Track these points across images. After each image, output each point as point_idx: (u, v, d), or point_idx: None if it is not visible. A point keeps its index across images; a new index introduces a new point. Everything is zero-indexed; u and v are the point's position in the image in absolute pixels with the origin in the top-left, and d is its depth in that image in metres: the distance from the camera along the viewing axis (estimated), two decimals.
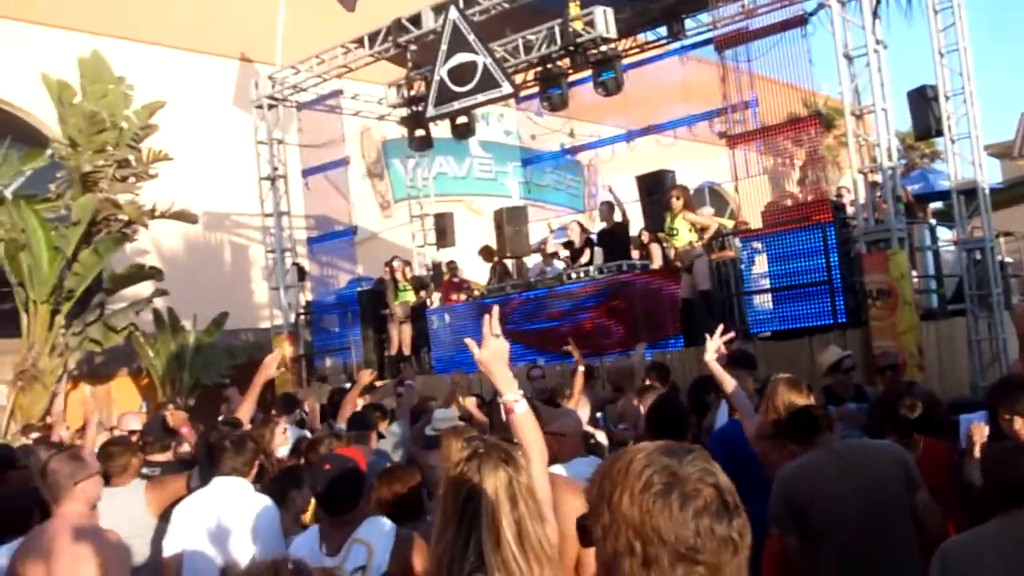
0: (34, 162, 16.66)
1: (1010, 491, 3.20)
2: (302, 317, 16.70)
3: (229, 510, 4.72)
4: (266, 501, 4.84)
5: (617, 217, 13.48)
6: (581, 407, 7.09)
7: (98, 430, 8.88)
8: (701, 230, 11.65)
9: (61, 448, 5.48)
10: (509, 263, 15.49)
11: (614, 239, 13.57)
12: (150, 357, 17.50)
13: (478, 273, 17.27)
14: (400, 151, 21.46)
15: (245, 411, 6.32)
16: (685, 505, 1.54)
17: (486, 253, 15.90)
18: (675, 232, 11.78)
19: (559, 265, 14.45)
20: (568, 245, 14.64)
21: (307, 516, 5.09)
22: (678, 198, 11.54)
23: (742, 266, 11.42)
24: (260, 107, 16.57)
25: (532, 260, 15.47)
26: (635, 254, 13.57)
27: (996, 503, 3.25)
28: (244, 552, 4.62)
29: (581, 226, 14.45)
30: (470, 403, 7.44)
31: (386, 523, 4.18)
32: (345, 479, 4.05)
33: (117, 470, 5.41)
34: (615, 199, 13.68)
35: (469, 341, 3.01)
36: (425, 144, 16.21)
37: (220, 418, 7.38)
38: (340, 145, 17.56)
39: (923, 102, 11.02)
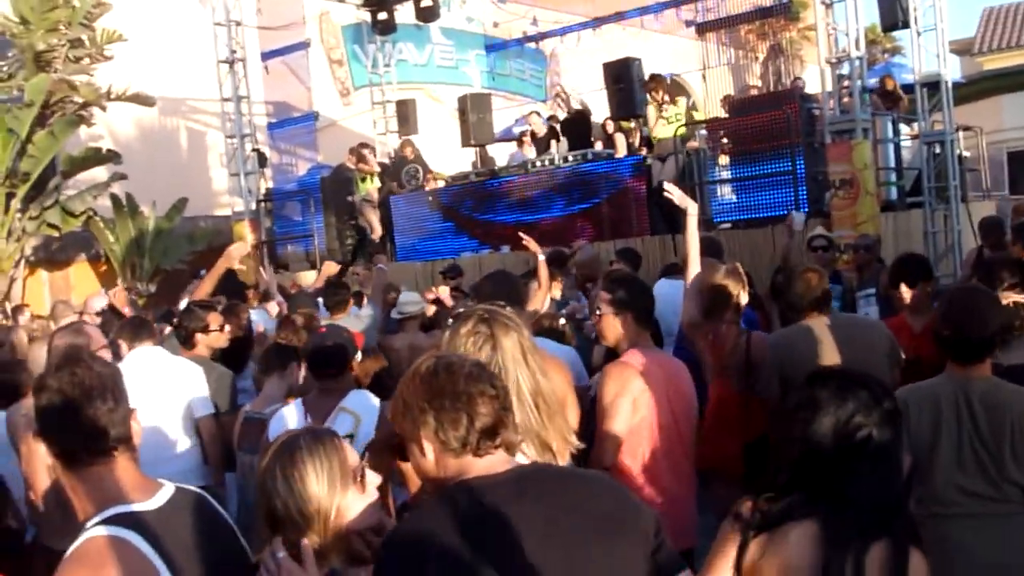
0: None
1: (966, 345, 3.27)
2: (262, 204, 16.57)
3: (145, 376, 4.92)
4: (188, 363, 5.26)
5: (576, 105, 13.46)
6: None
7: (65, 311, 8.95)
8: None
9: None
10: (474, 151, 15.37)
11: (575, 127, 13.54)
12: (109, 242, 17.25)
13: (440, 161, 17.16)
14: (359, 36, 21.03)
15: (203, 292, 6.40)
16: (452, 373, 2.02)
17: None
18: (673, 120, 11.75)
19: (530, 154, 14.34)
20: (531, 136, 14.59)
21: None
22: (656, 90, 11.51)
23: (706, 156, 11.51)
24: None
25: (503, 150, 15.39)
26: (598, 144, 13.53)
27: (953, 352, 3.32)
28: (163, 409, 5.00)
29: (540, 116, 14.37)
30: (443, 292, 7.52)
31: (371, 395, 4.30)
32: (338, 345, 4.15)
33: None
34: (564, 97, 13.64)
35: None
36: (389, 28, 15.91)
37: (186, 300, 7.39)
38: (300, 28, 17.20)
39: None
